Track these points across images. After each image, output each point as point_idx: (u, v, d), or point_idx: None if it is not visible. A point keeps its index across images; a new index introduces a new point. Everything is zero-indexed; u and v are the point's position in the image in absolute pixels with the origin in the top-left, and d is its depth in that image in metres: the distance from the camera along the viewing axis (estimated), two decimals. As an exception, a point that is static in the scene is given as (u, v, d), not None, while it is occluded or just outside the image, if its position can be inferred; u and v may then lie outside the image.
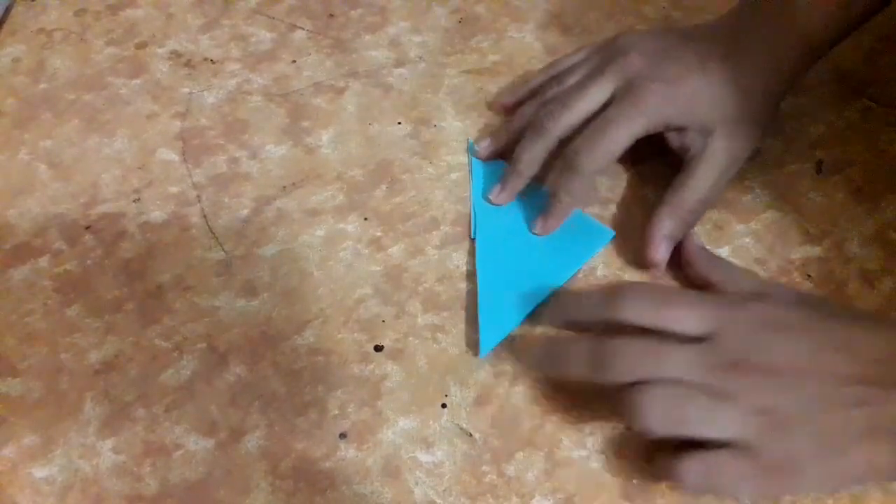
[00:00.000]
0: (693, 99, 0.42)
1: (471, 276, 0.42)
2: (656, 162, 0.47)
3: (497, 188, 0.45)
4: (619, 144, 0.42)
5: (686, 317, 0.34)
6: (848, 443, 0.32)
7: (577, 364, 0.35)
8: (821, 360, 0.33)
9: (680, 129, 0.42)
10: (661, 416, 0.32)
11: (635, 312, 0.35)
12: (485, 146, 0.47)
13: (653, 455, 0.35)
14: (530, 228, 0.44)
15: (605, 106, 0.43)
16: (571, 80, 0.45)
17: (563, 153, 0.43)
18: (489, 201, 0.45)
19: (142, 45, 0.57)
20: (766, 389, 0.32)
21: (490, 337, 0.39)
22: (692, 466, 0.32)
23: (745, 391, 0.32)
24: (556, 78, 0.46)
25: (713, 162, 0.42)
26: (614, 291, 0.36)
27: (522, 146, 0.44)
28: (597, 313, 0.36)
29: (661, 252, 0.41)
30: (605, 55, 0.45)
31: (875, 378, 0.32)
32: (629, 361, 0.34)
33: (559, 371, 0.37)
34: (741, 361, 0.33)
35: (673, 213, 0.41)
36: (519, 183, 0.44)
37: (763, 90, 0.43)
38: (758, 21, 0.43)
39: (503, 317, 0.40)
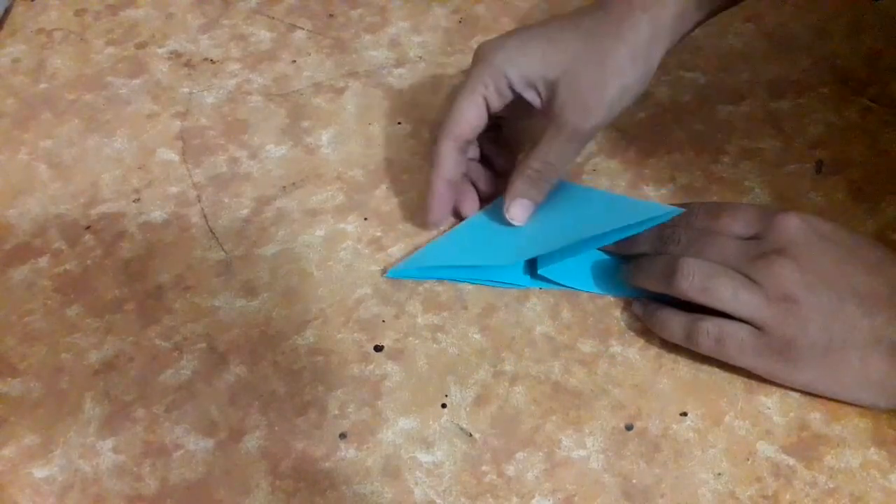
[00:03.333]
0: (525, 48, 0.40)
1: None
2: (655, 161, 0.47)
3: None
4: (466, 106, 0.41)
5: (735, 221, 0.38)
6: (849, 347, 0.35)
7: (644, 243, 0.40)
8: (847, 271, 0.36)
9: (531, 86, 0.41)
10: (697, 282, 0.36)
11: (697, 218, 0.40)
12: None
13: (670, 318, 0.38)
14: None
15: None
16: None
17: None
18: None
19: (142, 45, 0.57)
20: (793, 282, 0.35)
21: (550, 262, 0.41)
22: (709, 328, 0.36)
23: (774, 280, 0.35)
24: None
25: (556, 121, 0.40)
26: (686, 205, 0.40)
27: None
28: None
29: (512, 212, 0.42)
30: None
31: (887, 302, 0.35)
32: (685, 240, 0.39)
33: (634, 247, 0.41)
34: (777, 254, 0.36)
35: (522, 176, 0.42)
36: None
37: (621, 31, 0.40)
38: None
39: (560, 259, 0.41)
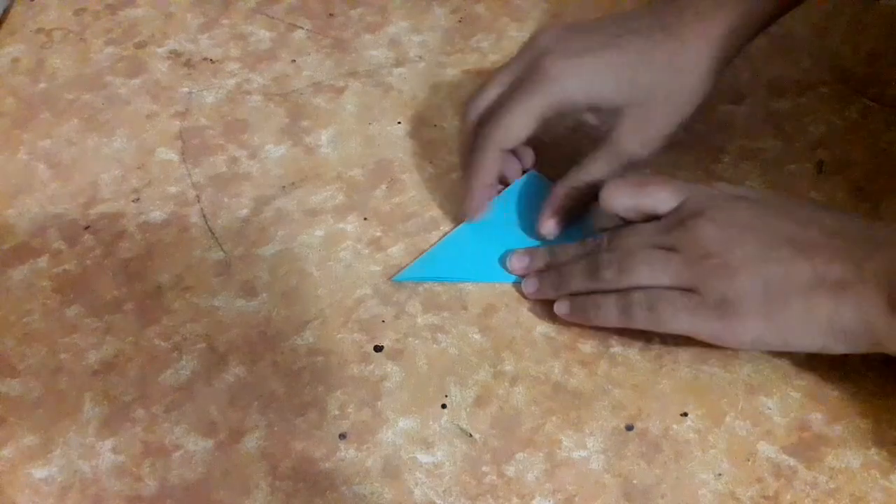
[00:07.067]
0: (598, 75, 0.40)
1: (471, 276, 0.43)
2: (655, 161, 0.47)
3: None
4: (521, 121, 0.41)
5: (658, 197, 0.38)
6: (790, 293, 0.34)
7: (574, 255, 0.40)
8: (773, 223, 0.35)
9: (594, 108, 0.41)
10: (616, 267, 0.37)
11: (619, 203, 0.39)
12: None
13: (602, 301, 0.38)
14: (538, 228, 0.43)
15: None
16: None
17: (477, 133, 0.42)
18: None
19: (141, 45, 0.57)
20: (711, 239, 0.35)
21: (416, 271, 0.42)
22: (641, 298, 0.36)
23: (690, 242, 0.35)
24: None
25: (614, 148, 0.41)
26: (603, 188, 0.39)
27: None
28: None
29: (546, 228, 0.42)
30: (522, 56, 0.43)
31: (824, 245, 0.34)
32: (608, 240, 0.39)
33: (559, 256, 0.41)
34: (693, 217, 0.36)
35: (569, 190, 0.42)
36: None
37: (691, 67, 0.40)
38: None
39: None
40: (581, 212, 0.43)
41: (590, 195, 0.41)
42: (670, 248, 0.36)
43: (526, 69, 0.41)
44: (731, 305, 0.34)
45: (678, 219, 0.37)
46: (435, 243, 0.44)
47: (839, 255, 0.33)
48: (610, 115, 0.41)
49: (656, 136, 0.41)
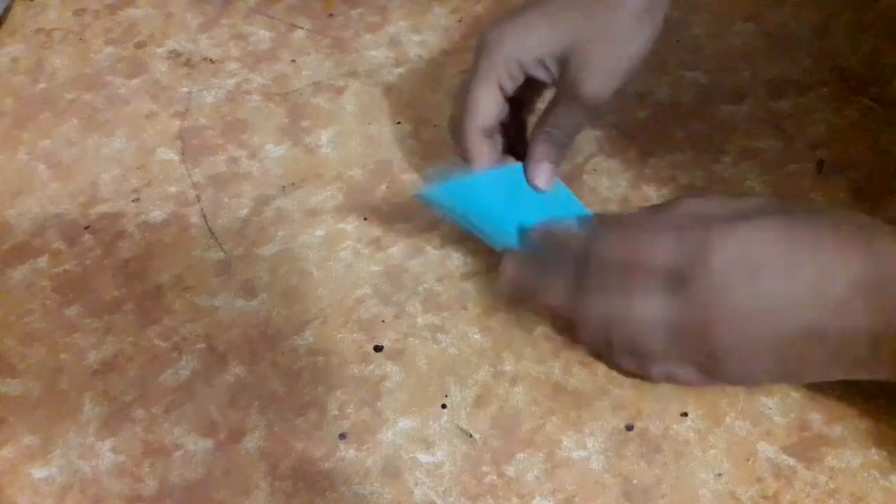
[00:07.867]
0: (530, 30, 0.41)
1: (470, 275, 0.42)
2: (656, 161, 0.47)
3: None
4: (481, 95, 0.42)
5: (655, 253, 0.34)
6: (804, 371, 0.33)
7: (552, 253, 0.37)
8: (780, 302, 0.32)
9: (542, 63, 0.41)
10: (634, 363, 0.35)
11: (609, 248, 0.35)
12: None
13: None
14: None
15: None
16: None
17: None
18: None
19: (141, 45, 0.57)
20: (717, 321, 0.32)
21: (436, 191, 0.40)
22: (657, 374, 0.34)
23: (692, 318, 0.32)
24: None
25: (569, 93, 0.41)
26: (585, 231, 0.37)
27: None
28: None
29: (536, 176, 0.42)
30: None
31: (837, 316, 0.31)
32: (596, 282, 0.35)
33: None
34: (690, 283, 0.32)
35: (541, 140, 0.42)
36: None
37: (629, 4, 0.39)
38: None
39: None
40: (565, 155, 0.43)
41: (566, 141, 0.42)
42: (677, 317, 0.33)
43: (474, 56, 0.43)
44: (747, 381, 0.35)
45: (676, 283, 0.33)
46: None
47: (854, 332, 0.31)
48: (559, 67, 0.41)
49: (609, 74, 0.40)
